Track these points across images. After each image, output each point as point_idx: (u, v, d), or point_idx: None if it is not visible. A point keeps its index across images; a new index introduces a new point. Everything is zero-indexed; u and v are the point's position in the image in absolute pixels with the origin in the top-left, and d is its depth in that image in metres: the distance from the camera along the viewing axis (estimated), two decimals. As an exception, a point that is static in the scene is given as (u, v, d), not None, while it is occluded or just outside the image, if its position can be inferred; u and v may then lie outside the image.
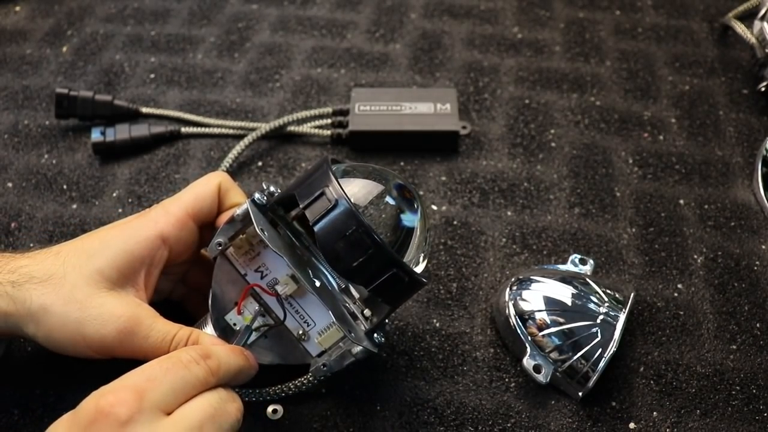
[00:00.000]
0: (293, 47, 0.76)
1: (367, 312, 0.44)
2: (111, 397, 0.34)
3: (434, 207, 0.60)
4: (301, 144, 0.66)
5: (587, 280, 0.51)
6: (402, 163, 0.64)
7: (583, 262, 0.54)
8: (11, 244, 0.57)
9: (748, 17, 0.75)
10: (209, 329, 0.44)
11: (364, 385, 0.48)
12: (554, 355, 0.47)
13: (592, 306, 0.48)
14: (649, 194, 0.62)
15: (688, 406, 0.48)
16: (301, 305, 0.43)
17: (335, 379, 0.47)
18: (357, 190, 0.43)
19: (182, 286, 0.49)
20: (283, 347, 0.44)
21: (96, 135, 0.63)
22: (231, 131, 0.66)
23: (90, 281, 0.41)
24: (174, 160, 0.64)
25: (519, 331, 0.49)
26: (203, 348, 0.39)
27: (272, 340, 0.44)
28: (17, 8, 0.81)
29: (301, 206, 0.40)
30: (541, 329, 0.48)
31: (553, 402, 0.48)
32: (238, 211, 0.42)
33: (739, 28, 0.72)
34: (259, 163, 0.64)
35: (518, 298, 0.50)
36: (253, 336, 0.43)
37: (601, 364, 0.46)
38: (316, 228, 0.40)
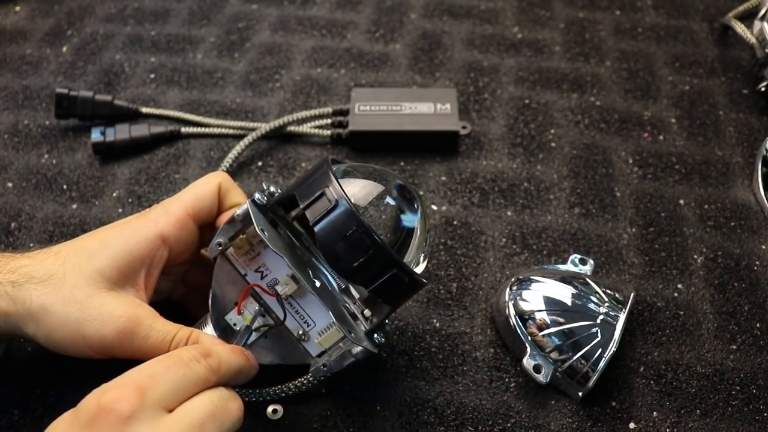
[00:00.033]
0: (293, 47, 0.76)
1: (367, 312, 0.44)
2: (113, 393, 0.34)
3: (434, 207, 0.60)
4: (301, 144, 0.66)
5: (587, 280, 0.51)
6: (402, 163, 0.64)
7: (583, 262, 0.54)
8: (11, 244, 0.57)
9: (748, 17, 0.75)
10: (209, 329, 0.44)
11: (364, 385, 0.48)
12: (554, 355, 0.47)
13: (592, 306, 0.48)
14: (649, 194, 0.62)
15: (688, 406, 0.48)
16: (301, 305, 0.43)
17: (335, 379, 0.47)
18: (357, 190, 0.42)
19: (182, 286, 0.49)
20: (283, 347, 0.44)
21: (96, 135, 0.63)
22: (231, 131, 0.66)
23: (90, 281, 0.41)
24: (174, 160, 0.64)
25: (519, 331, 0.49)
26: (204, 347, 0.39)
27: (272, 340, 0.44)
28: (17, 8, 0.81)
29: (301, 206, 0.40)
30: (541, 329, 0.48)
31: (553, 402, 0.48)
32: (238, 211, 0.42)
33: (739, 28, 0.72)
34: (259, 163, 0.64)
35: (518, 298, 0.50)
36: (253, 336, 0.43)
37: (601, 364, 0.46)
38: (316, 228, 0.40)
